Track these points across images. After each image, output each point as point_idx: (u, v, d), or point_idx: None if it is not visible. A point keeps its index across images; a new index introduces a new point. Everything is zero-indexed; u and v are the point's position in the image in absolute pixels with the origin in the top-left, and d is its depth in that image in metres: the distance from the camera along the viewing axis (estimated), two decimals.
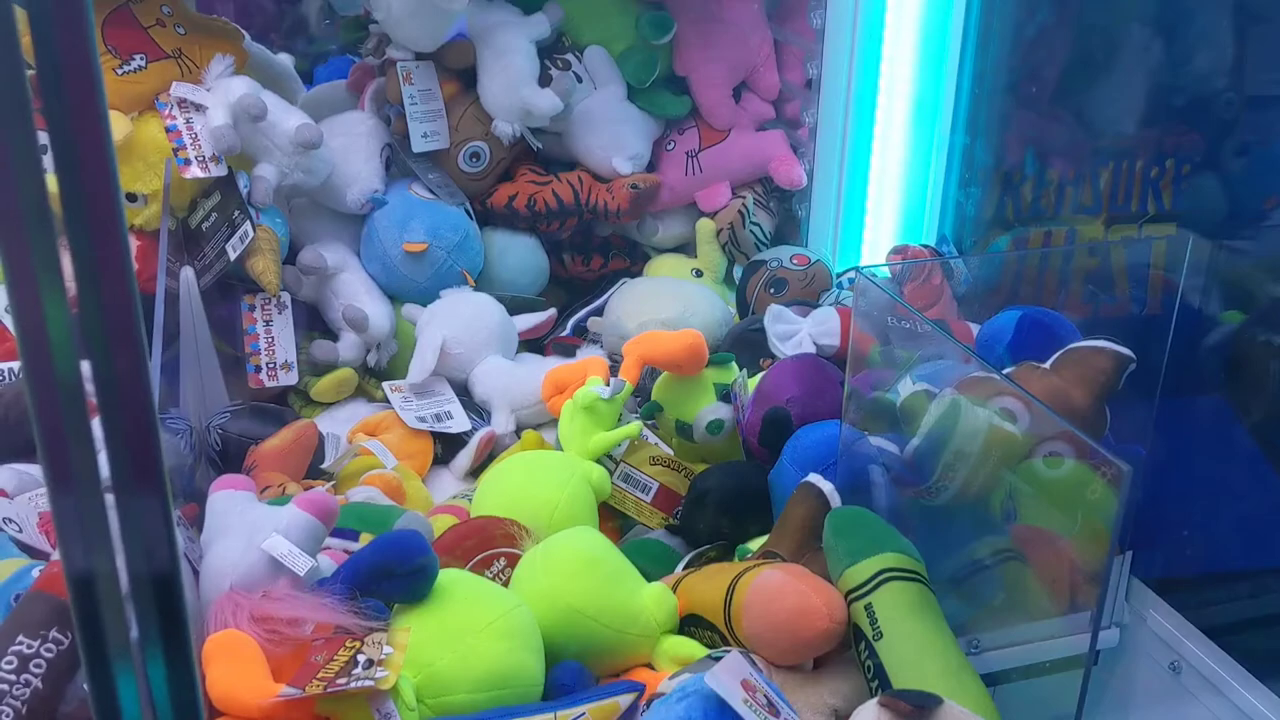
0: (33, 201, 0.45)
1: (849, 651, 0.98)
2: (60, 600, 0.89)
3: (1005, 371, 1.27)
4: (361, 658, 0.88)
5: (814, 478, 1.12)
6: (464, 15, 1.55)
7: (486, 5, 1.58)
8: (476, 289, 1.56)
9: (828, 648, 0.95)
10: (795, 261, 1.62)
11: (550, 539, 1.07)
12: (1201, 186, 1.70)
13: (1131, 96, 1.75)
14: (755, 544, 1.20)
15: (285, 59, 1.76)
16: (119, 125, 1.36)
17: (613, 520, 1.29)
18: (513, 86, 1.56)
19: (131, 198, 1.44)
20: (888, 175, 1.69)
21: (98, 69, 0.45)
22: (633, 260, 1.76)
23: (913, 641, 0.92)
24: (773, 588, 0.96)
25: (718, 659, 0.97)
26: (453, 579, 0.98)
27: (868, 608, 0.94)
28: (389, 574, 0.94)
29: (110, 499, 0.51)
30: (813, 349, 1.42)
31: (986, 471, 1.16)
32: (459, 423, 1.42)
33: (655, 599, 1.04)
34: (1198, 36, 1.62)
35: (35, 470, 1.21)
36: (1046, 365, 1.26)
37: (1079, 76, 1.72)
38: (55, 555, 0.95)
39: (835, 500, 1.10)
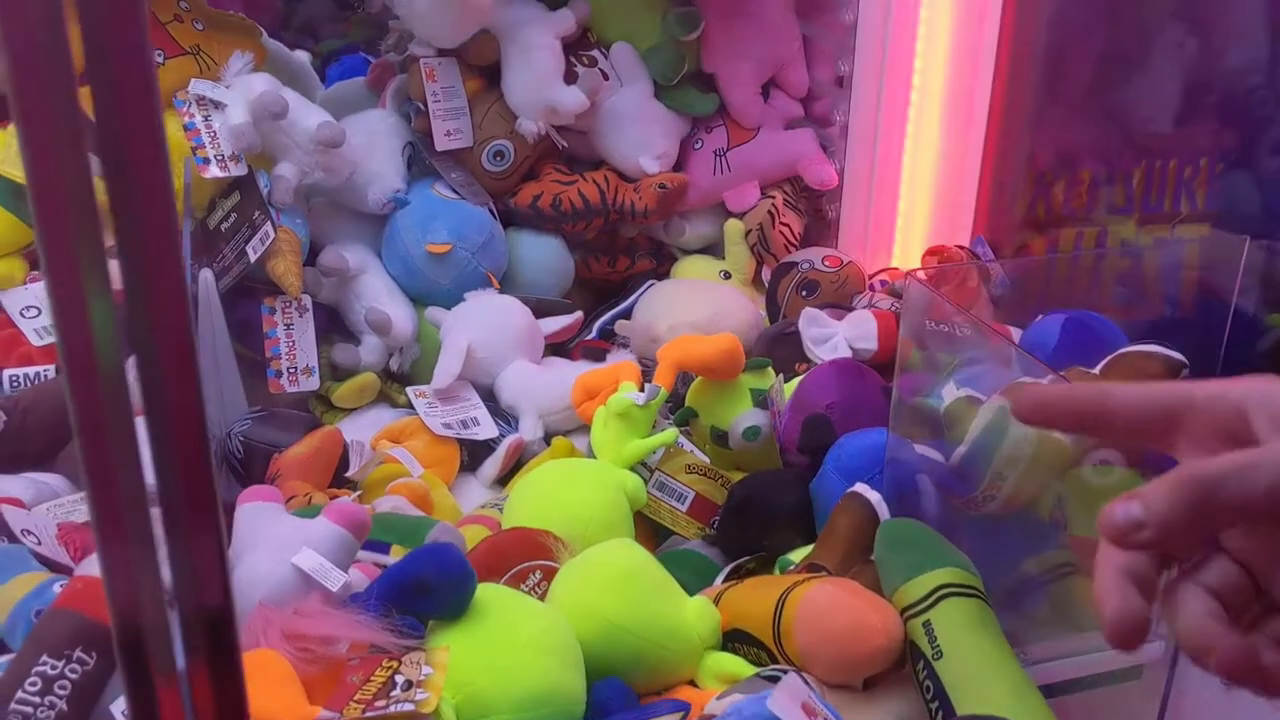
0: (77, 188, 0.41)
1: (902, 670, 0.94)
2: (85, 617, 0.85)
3: (1051, 378, 1.23)
4: (399, 678, 0.84)
5: (861, 487, 1.08)
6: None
7: (510, 1, 1.54)
8: (500, 291, 1.52)
9: (883, 667, 0.91)
10: (827, 263, 1.58)
11: (588, 551, 1.03)
12: (1235, 185, 1.67)
13: (1165, 94, 1.71)
14: (797, 555, 1.16)
15: (302, 56, 1.73)
16: None
17: (647, 530, 1.25)
18: (538, 83, 1.52)
19: None
20: (920, 175, 1.65)
21: (150, 53, 0.41)
22: (658, 261, 1.72)
23: (975, 660, 0.88)
24: (825, 603, 0.92)
25: (768, 678, 0.93)
26: (490, 594, 0.94)
27: (926, 625, 0.90)
28: (426, 589, 0.90)
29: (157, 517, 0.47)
30: (849, 353, 1.39)
31: (1035, 480, 1.12)
32: (486, 429, 1.38)
33: (698, 613, 1.00)
34: (1232, 33, 1.59)
35: (52, 479, 1.17)
36: (1095, 370, 1.22)
37: (1113, 73, 1.68)
38: (79, 569, 0.91)
39: (883, 511, 1.06)
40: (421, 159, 1.56)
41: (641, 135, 1.62)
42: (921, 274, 1.15)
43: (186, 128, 1.36)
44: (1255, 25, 1.58)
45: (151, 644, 0.48)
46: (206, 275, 1.35)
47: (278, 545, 0.92)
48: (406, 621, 0.92)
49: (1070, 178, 1.73)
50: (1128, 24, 1.66)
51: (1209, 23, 1.61)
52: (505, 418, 1.42)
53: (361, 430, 1.39)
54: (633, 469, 1.22)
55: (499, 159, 1.57)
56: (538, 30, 1.53)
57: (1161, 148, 1.70)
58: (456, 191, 1.53)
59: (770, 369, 1.33)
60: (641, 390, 1.25)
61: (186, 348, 0.44)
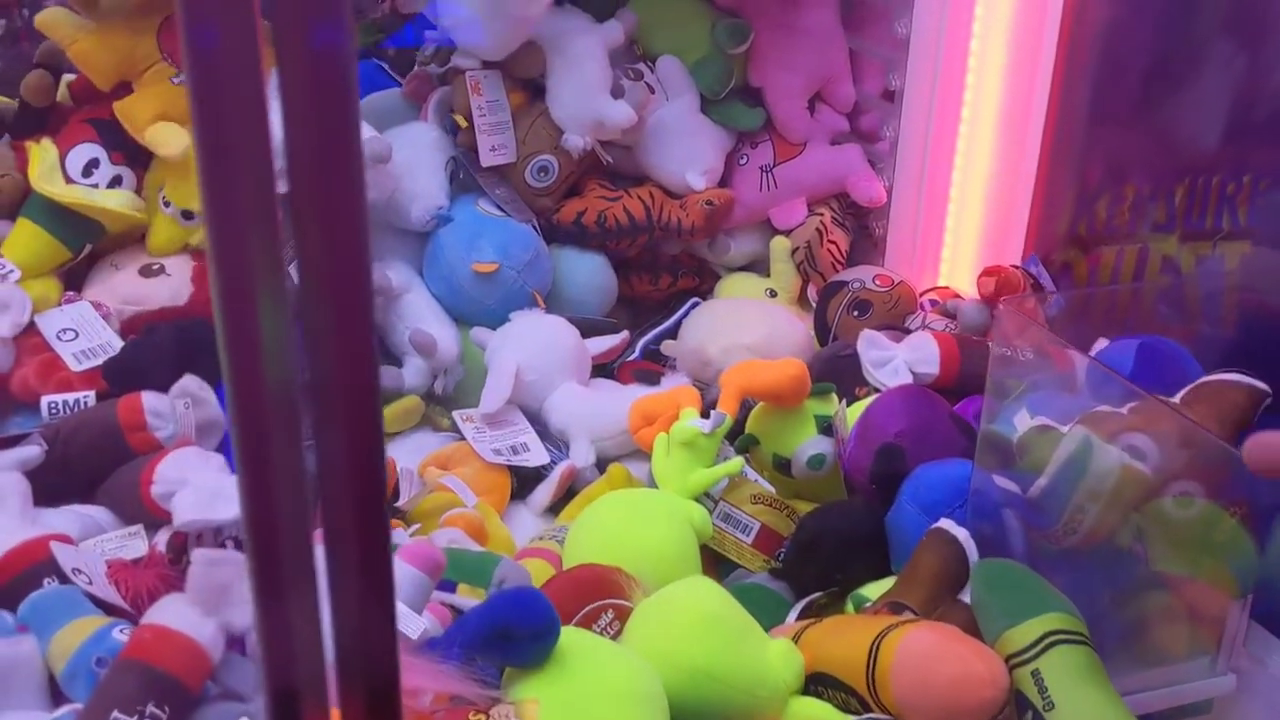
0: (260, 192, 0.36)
1: None
2: (155, 669, 0.81)
3: (1129, 407, 1.19)
4: None
5: (946, 524, 1.04)
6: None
7: (557, 11, 1.50)
8: (546, 311, 1.48)
9: (989, 719, 0.87)
10: (878, 282, 1.55)
11: (667, 592, 0.99)
12: (1277, 202, 1.64)
13: (1212, 110, 1.68)
14: (870, 590, 1.12)
15: None
16: (179, 138, 1.28)
17: (709, 563, 1.21)
18: (586, 97, 1.48)
19: (188, 215, 1.36)
20: (971, 192, 1.62)
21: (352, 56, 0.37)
22: (702, 279, 1.68)
23: (1089, 713, 0.85)
24: (927, 651, 0.88)
25: None
26: (570, 640, 0.90)
27: (1034, 674, 0.87)
28: (509, 637, 0.85)
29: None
30: (909, 377, 1.35)
31: (1116, 513, 1.09)
32: (536, 455, 1.33)
33: (782, 657, 0.96)
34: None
35: (97, 513, 1.13)
36: (1176, 399, 1.19)
37: (1162, 89, 1.65)
38: (147, 617, 0.87)
39: (971, 549, 1.03)
40: (464, 174, 1.52)
41: (688, 150, 1.58)
42: (1006, 303, 1.12)
43: None
44: None
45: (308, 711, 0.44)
46: None
47: None
48: (484, 670, 0.88)
49: (1114, 194, 1.70)
50: (1179, 38, 1.63)
51: (1259, 38, 1.58)
52: (554, 443, 1.38)
53: (405, 456, 1.35)
54: (697, 499, 1.18)
55: (543, 174, 1.53)
56: (586, 42, 1.49)
57: (1206, 164, 1.67)
58: (501, 208, 1.49)
59: (834, 394, 1.29)
60: (705, 417, 1.21)
61: (369, 382, 0.40)
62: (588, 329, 1.49)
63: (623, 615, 1.01)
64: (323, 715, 0.45)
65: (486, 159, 1.49)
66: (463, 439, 1.35)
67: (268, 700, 0.45)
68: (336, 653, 0.45)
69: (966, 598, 1.04)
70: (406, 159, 1.46)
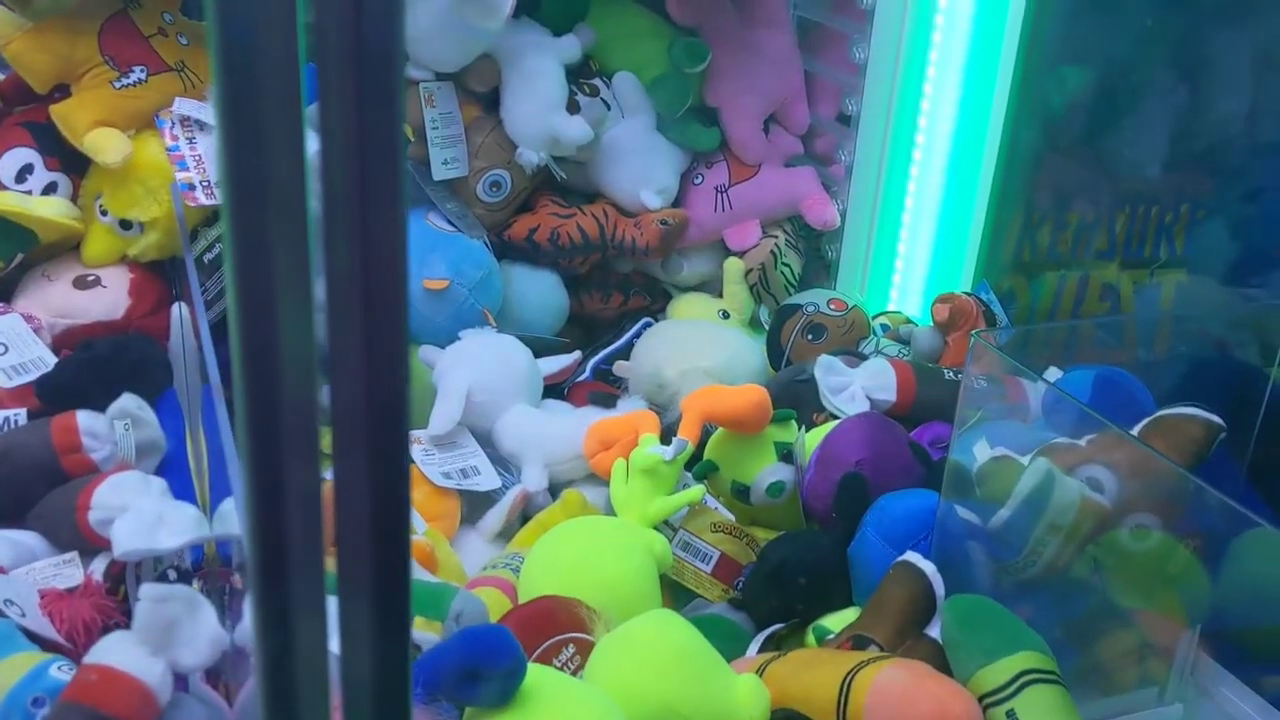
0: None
1: None
2: (100, 713, 0.76)
3: (1087, 439, 1.20)
4: None
5: (913, 557, 1.04)
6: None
7: (514, 24, 1.47)
8: (497, 330, 1.45)
9: None
10: (832, 306, 1.54)
11: (631, 626, 0.96)
12: (1212, 232, 1.67)
13: (1153, 141, 1.71)
14: (832, 621, 1.11)
15: None
16: (119, 145, 1.23)
17: (666, 591, 1.19)
18: (541, 112, 1.45)
19: (126, 225, 1.30)
20: (922, 217, 1.63)
21: (400, 58, 0.34)
22: (653, 298, 1.66)
23: None
24: (901, 691, 0.87)
25: None
26: (535, 678, 0.87)
27: (1009, 714, 0.86)
28: (477, 677, 0.82)
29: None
30: (866, 404, 1.34)
31: (1075, 545, 1.09)
32: (487, 479, 1.30)
33: (749, 693, 0.94)
34: (1220, 82, 1.59)
35: (29, 538, 1.06)
36: (1134, 432, 1.20)
37: (1107, 120, 1.68)
38: (90, 656, 0.82)
39: (939, 584, 1.02)
40: (415, 188, 1.48)
41: (643, 169, 1.56)
42: (984, 335, 1.11)
43: (169, 150, 1.27)
44: (1240, 75, 1.59)
45: None
46: (180, 310, 1.26)
47: None
48: (443, 709, 0.85)
49: (1057, 221, 1.73)
50: (1124, 70, 1.66)
51: (1199, 71, 1.61)
52: (505, 466, 1.35)
53: None
54: (656, 528, 1.16)
55: (495, 189, 1.49)
56: (542, 57, 1.46)
57: (1147, 193, 1.70)
58: (452, 223, 1.45)
59: (794, 421, 1.27)
60: (665, 443, 1.19)
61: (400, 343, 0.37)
62: (539, 348, 1.46)
63: (584, 650, 0.98)
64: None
65: (439, 173, 1.45)
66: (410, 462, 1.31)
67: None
68: (344, 686, 0.42)
69: (933, 631, 1.03)
70: None
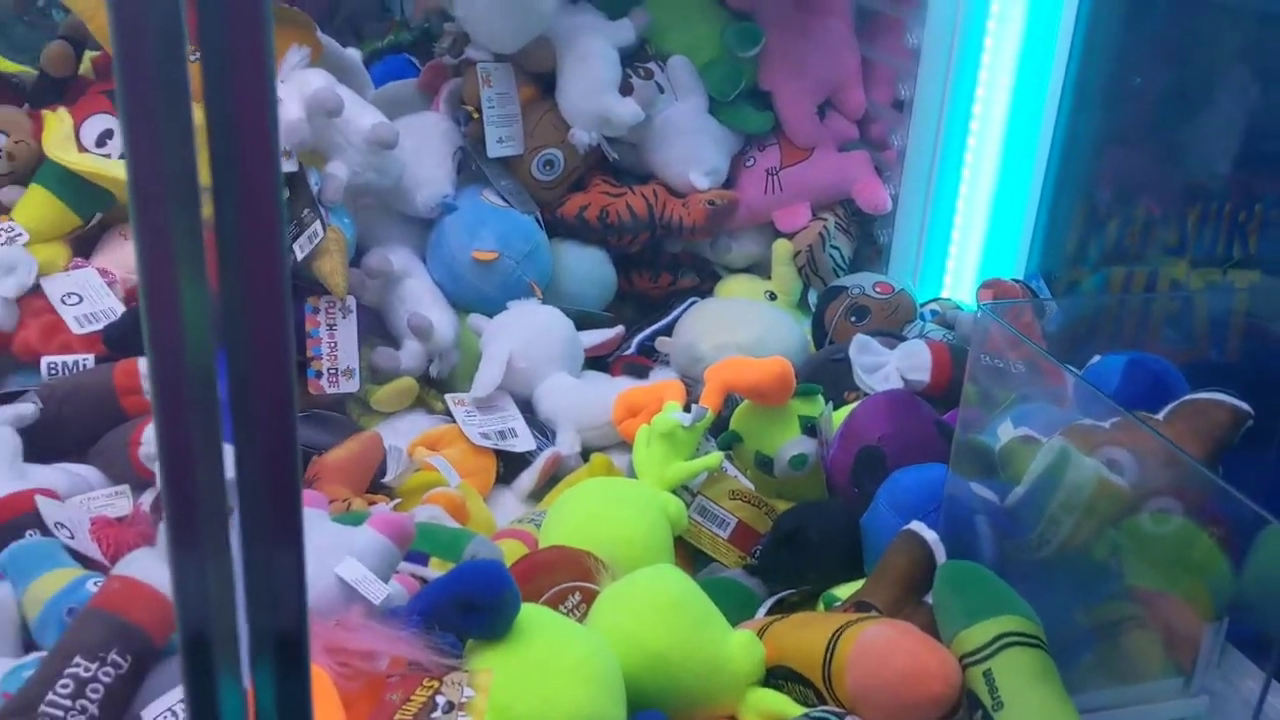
0: (180, 170, 0.38)
1: (955, 718, 0.91)
2: (121, 619, 0.83)
3: (1112, 421, 1.19)
4: (441, 699, 0.81)
5: (917, 526, 1.05)
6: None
7: (570, 8, 1.52)
8: (543, 301, 1.50)
9: (939, 714, 0.87)
10: (878, 289, 1.55)
11: (632, 576, 1.00)
12: None
13: (1226, 137, 1.68)
14: (843, 591, 1.13)
15: (354, 54, 1.71)
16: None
17: (684, 555, 1.22)
18: (594, 93, 1.50)
19: None
20: (976, 204, 1.62)
21: (269, 37, 0.38)
22: (702, 279, 1.69)
23: (1037, 714, 0.85)
24: (882, 646, 0.89)
25: (816, 719, 0.90)
26: (532, 615, 0.91)
27: (986, 674, 0.87)
28: (469, 607, 0.87)
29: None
30: (900, 383, 1.35)
31: (1091, 526, 1.09)
32: (523, 441, 1.35)
33: (743, 647, 0.97)
34: None
35: (87, 472, 1.15)
36: (1159, 416, 1.19)
37: (1175, 113, 1.65)
38: (116, 568, 0.89)
39: (940, 552, 1.03)
40: (471, 164, 1.54)
41: (693, 150, 1.59)
42: (989, 308, 1.12)
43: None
44: None
45: (219, 659, 0.45)
46: None
47: (320, 553, 0.89)
48: (445, 639, 0.89)
49: (1125, 215, 1.70)
50: (1193, 64, 1.63)
51: (1274, 67, 1.57)
52: (542, 430, 1.40)
53: (397, 435, 1.37)
54: (674, 492, 1.19)
55: (549, 168, 1.54)
56: (597, 40, 1.50)
57: (1219, 190, 1.67)
58: (505, 199, 1.51)
59: (820, 396, 1.29)
60: (687, 411, 1.22)
61: (282, 345, 0.41)
62: (584, 321, 1.51)
63: (589, 598, 1.02)
64: (234, 663, 0.46)
65: (494, 150, 1.51)
66: (454, 421, 1.37)
67: (182, 649, 0.46)
68: (247, 602, 0.46)
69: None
70: (415, 146, 1.48)
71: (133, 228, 0.40)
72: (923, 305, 1.60)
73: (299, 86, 1.34)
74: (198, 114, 0.38)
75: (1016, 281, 1.53)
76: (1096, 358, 1.36)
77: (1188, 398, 1.17)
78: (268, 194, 0.40)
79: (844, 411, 1.30)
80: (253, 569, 0.43)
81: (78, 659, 0.79)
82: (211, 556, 0.43)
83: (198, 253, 0.40)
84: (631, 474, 1.24)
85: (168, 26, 0.37)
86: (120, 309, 1.29)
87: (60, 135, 1.33)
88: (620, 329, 1.53)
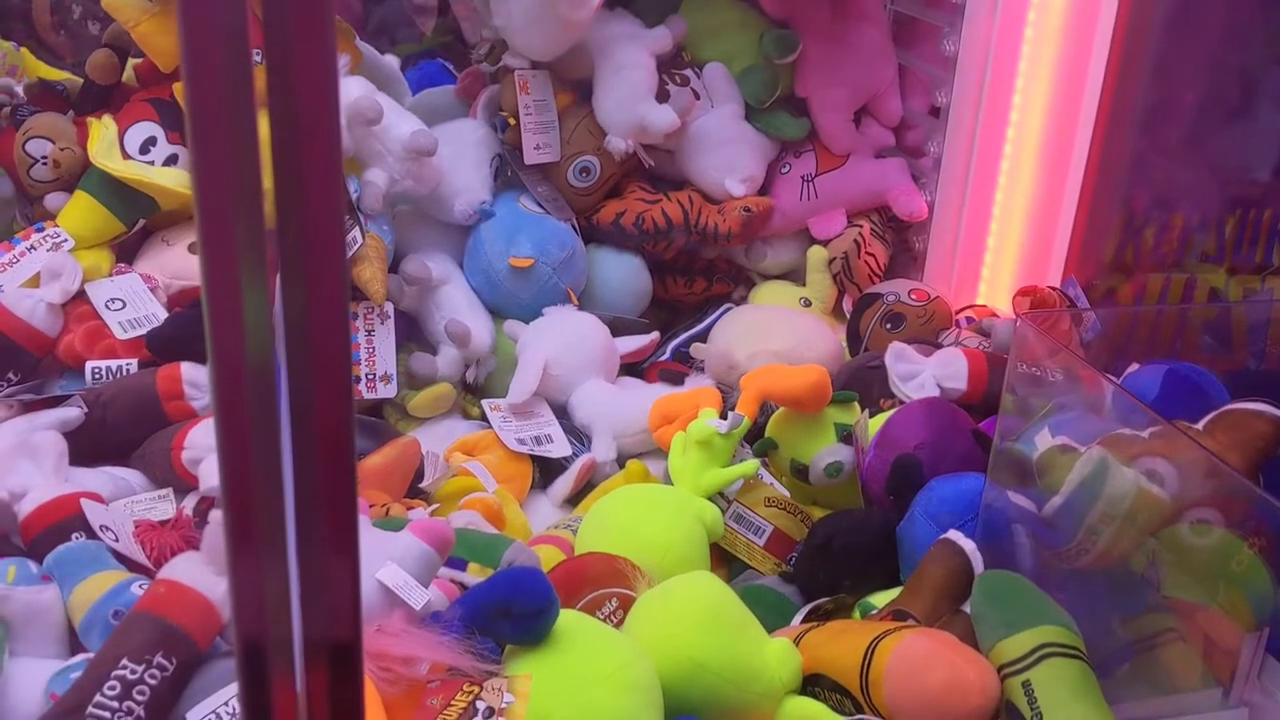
0: (245, 183, 0.39)
1: None
2: (167, 622, 0.84)
3: (1151, 431, 1.18)
4: (481, 705, 0.81)
5: (954, 535, 1.05)
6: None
7: (607, 16, 1.52)
8: (578, 308, 1.51)
9: None
10: (913, 296, 1.55)
11: (669, 583, 1.00)
12: None
13: (1265, 143, 1.66)
14: (879, 599, 1.12)
15: (392, 61, 1.72)
16: None
17: (720, 562, 1.22)
18: (630, 101, 1.50)
19: None
20: (1012, 211, 1.61)
21: (332, 43, 0.39)
22: (737, 285, 1.69)
23: None
24: (920, 656, 0.89)
25: None
26: (570, 622, 0.92)
27: (1025, 685, 0.87)
28: (508, 613, 0.87)
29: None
30: (936, 392, 1.35)
31: (1130, 536, 1.08)
32: (559, 447, 1.36)
33: (780, 656, 0.97)
34: None
35: (130, 475, 1.17)
36: (1199, 426, 1.18)
37: (1213, 119, 1.64)
38: (163, 572, 0.90)
39: (978, 561, 1.03)
40: (507, 171, 1.55)
41: (729, 157, 1.59)
42: (1026, 317, 1.12)
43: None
44: None
45: (274, 665, 0.46)
46: None
47: (361, 558, 0.90)
48: (484, 644, 0.90)
49: (1162, 223, 1.69)
50: (1231, 71, 1.62)
51: None
52: (578, 436, 1.40)
53: (434, 441, 1.38)
54: (710, 499, 1.19)
55: (585, 175, 1.55)
56: (633, 47, 1.51)
57: (1257, 197, 1.65)
58: (542, 206, 1.52)
59: (856, 404, 1.29)
60: (723, 418, 1.22)
61: (342, 356, 0.42)
62: (620, 328, 1.52)
63: (626, 604, 1.02)
64: (288, 670, 0.46)
65: (531, 157, 1.51)
66: (490, 427, 1.38)
67: (238, 655, 0.47)
68: (302, 610, 0.47)
69: (969, 608, 1.04)
70: (453, 154, 1.49)
71: (198, 236, 0.40)
72: (959, 312, 1.59)
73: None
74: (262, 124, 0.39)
75: (1053, 289, 1.52)
76: (1134, 366, 1.35)
77: (1227, 408, 1.16)
78: (330, 204, 0.40)
79: (880, 419, 1.29)
80: (308, 577, 0.43)
81: (124, 661, 0.81)
82: (269, 564, 0.43)
83: (260, 262, 0.41)
84: (667, 480, 1.24)
85: (234, 37, 0.38)
86: (163, 315, 1.31)
87: (105, 142, 1.35)
88: (655, 335, 1.54)
